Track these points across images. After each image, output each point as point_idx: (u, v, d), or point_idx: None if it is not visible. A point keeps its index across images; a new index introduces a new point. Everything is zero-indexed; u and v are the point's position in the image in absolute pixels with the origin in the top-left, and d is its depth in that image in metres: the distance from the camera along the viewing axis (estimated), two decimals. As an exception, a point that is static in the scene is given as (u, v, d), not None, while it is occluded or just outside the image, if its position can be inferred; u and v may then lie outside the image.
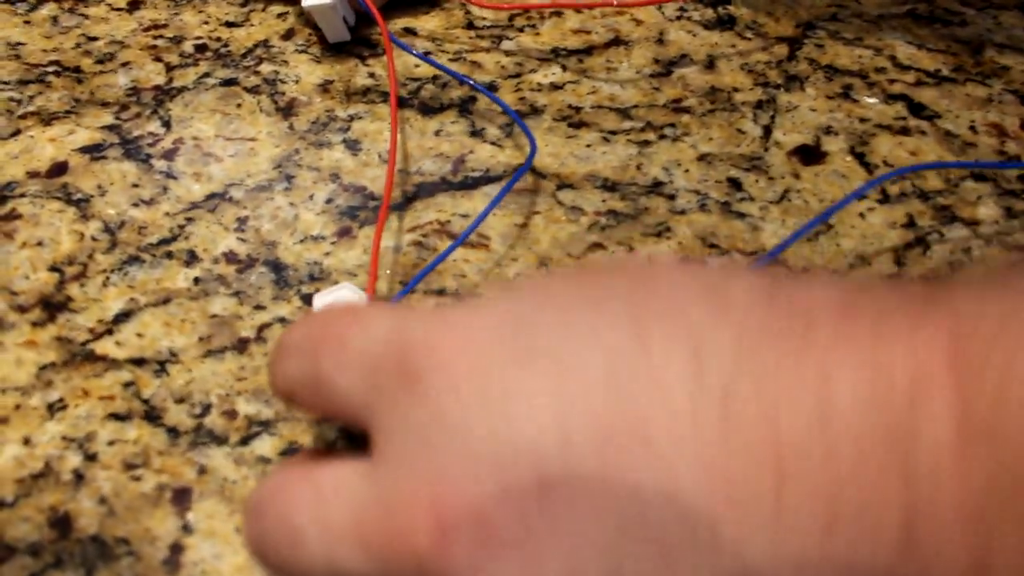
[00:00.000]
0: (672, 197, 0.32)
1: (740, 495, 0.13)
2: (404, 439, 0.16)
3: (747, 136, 0.33)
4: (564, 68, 0.35)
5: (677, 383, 0.14)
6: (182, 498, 0.26)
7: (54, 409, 0.27)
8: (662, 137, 0.33)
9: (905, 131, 0.34)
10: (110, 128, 0.34)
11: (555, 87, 0.35)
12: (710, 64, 0.36)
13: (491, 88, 0.35)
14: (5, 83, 0.35)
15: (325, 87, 0.35)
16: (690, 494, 0.13)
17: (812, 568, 0.13)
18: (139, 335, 0.29)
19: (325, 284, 0.30)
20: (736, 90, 0.35)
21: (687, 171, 0.32)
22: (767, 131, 0.33)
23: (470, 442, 0.15)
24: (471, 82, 0.34)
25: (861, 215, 0.31)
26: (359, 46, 0.36)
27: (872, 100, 0.35)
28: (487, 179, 0.32)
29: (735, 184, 0.32)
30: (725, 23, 0.37)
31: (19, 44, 0.37)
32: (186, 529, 0.25)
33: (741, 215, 0.31)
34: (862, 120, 0.34)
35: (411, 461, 0.16)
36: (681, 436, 0.14)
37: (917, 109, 0.34)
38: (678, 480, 0.13)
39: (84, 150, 0.33)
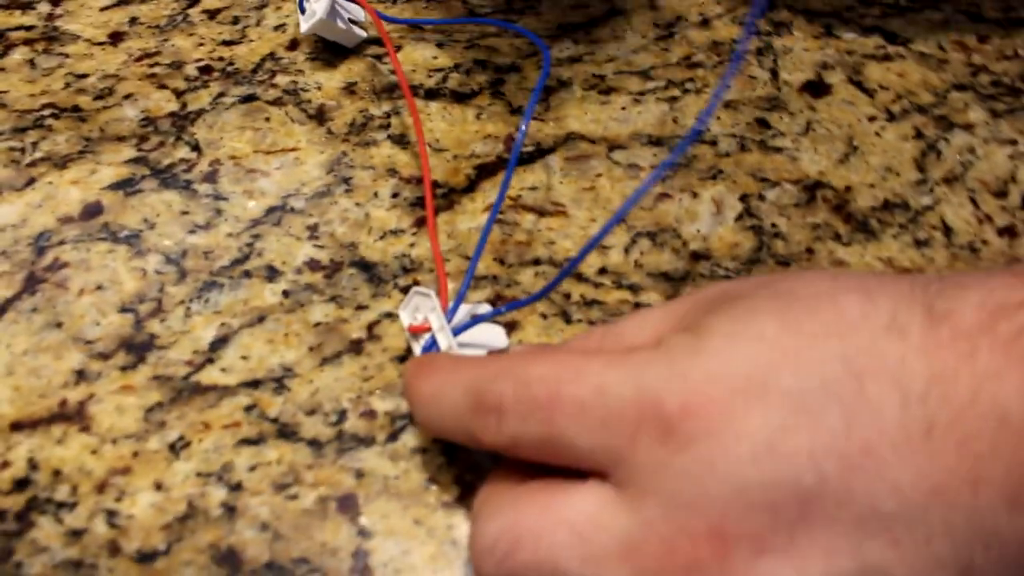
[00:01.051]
0: (714, 143, 0.33)
1: (945, 489, 0.17)
2: (671, 481, 0.19)
3: (759, 80, 0.36)
4: (576, 42, 0.37)
5: (888, 410, 0.18)
6: (349, 505, 0.25)
7: (177, 448, 0.26)
8: (686, 91, 0.35)
9: (888, 57, 0.37)
10: (136, 161, 0.32)
11: (574, 60, 0.36)
12: (704, 22, 0.38)
13: (514, 68, 0.35)
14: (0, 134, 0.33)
15: (351, 89, 0.34)
16: (908, 494, 0.18)
17: (1003, 541, 0.17)
18: (244, 358, 0.28)
19: (419, 274, 0.29)
20: (736, 41, 0.37)
21: (718, 118, 0.34)
22: (774, 73, 0.36)
23: (740, 478, 0.18)
24: (486, 20, 0.35)
25: (877, 134, 0.34)
26: (371, 45, 0.36)
27: (851, 35, 0.38)
28: (541, 152, 0.33)
29: (764, 124, 0.34)
30: (702, -16, 0.40)
31: (1, 92, 0.34)
32: (364, 534, 0.25)
33: (779, 149, 0.33)
34: (849, 53, 0.37)
35: (683, 498, 0.19)
36: (897, 452, 0.18)
37: (891, 37, 0.38)
38: (900, 486, 0.18)
39: (115, 187, 0.32)
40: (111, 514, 0.25)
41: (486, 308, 0.28)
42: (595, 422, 0.20)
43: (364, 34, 0.35)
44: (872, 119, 0.35)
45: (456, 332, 0.26)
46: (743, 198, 0.32)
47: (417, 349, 0.26)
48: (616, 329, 0.24)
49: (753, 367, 0.19)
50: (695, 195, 0.32)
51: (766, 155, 0.33)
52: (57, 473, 0.26)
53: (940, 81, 0.36)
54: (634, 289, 0.29)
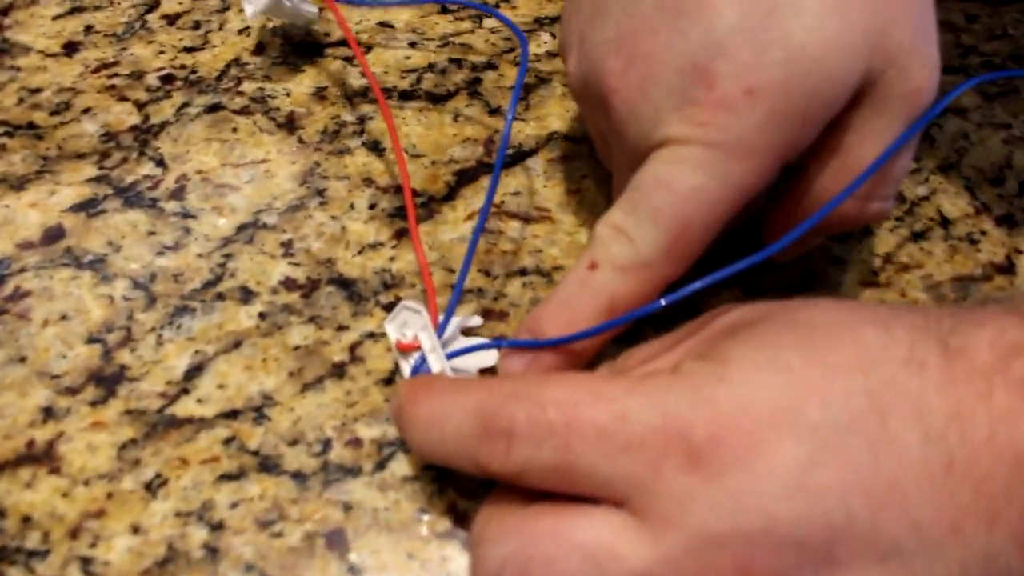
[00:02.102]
0: (701, 138, 0.32)
1: (962, 527, 0.17)
2: (698, 513, 0.18)
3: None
4: (552, 35, 0.35)
5: (911, 447, 0.18)
6: (337, 540, 0.24)
7: (153, 487, 0.25)
8: (670, 84, 0.34)
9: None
10: (97, 180, 0.31)
11: (552, 55, 0.35)
12: None
13: (490, 66, 0.34)
14: (-51, 155, 0.31)
15: (321, 94, 0.33)
16: (928, 532, 0.17)
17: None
18: (220, 386, 0.26)
19: (400, 289, 0.28)
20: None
21: (705, 112, 0.33)
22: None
23: (771, 514, 0.17)
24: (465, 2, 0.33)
25: (867, 122, 0.33)
26: (339, 47, 0.34)
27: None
28: (523, 154, 0.32)
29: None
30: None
31: (-50, 110, 0.32)
32: (354, 571, 0.23)
33: (768, 142, 0.32)
34: (835, 38, 0.36)
35: (710, 532, 0.18)
36: (920, 489, 0.17)
37: (878, 20, 0.37)
38: (920, 524, 0.17)
39: (76, 208, 0.30)
40: (86, 561, 0.24)
41: (476, 321, 0.27)
42: (616, 448, 0.19)
43: (315, 9, 0.33)
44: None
45: (449, 356, 0.25)
46: (734, 195, 0.31)
47: (406, 369, 0.25)
48: (621, 364, 0.23)
49: (781, 399, 0.18)
50: (684, 194, 0.31)
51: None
52: (27, 519, 0.24)
53: (930, 65, 0.35)
54: (626, 297, 0.28)
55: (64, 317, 0.28)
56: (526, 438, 0.19)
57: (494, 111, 0.33)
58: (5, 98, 0.33)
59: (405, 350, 0.25)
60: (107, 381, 0.26)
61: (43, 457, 0.25)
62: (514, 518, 0.20)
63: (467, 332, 0.26)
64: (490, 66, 0.34)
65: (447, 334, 0.25)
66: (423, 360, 0.24)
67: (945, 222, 0.30)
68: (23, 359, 0.27)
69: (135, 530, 0.24)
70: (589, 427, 0.19)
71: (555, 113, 0.33)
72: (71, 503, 0.24)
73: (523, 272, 0.29)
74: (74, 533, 0.24)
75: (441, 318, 0.25)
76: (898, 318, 0.20)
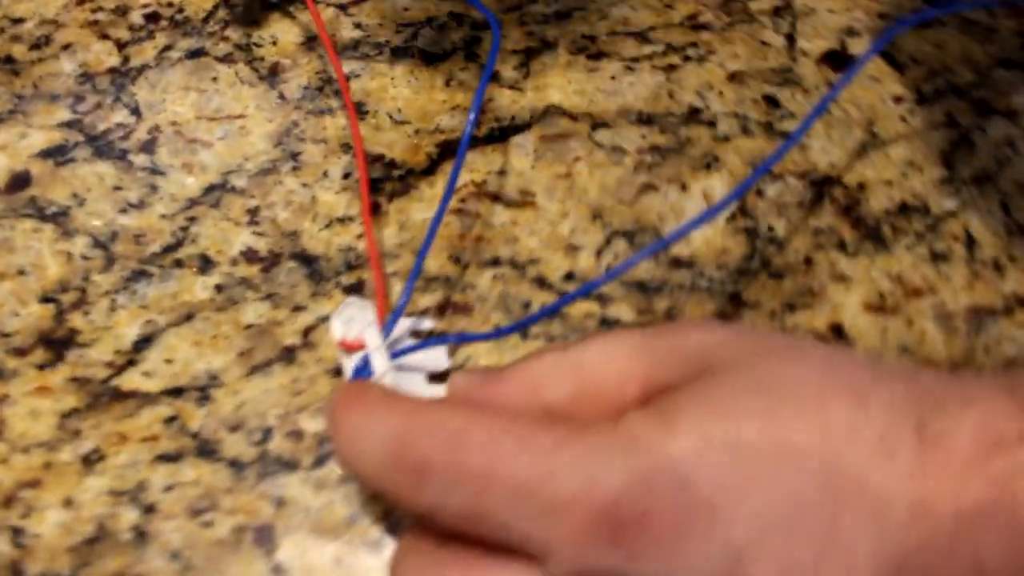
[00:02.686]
0: (712, 124, 0.29)
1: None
2: None
3: (772, 48, 0.31)
4: (564, -7, 0.32)
5: (861, 547, 0.16)
6: (264, 537, 0.23)
7: (91, 461, 0.24)
8: (687, 59, 0.31)
9: (926, 24, 0.32)
10: (69, 125, 0.29)
11: (561, 16, 0.32)
12: (718, -29, 0.33)
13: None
14: (-75, 86, 0.30)
15: (309, 45, 0.31)
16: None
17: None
18: (168, 361, 0.25)
19: (365, 271, 0.27)
20: (751, -3, 0.32)
21: (721, 93, 0.30)
22: (790, 40, 0.31)
23: None
24: None
25: (903, 119, 0.30)
26: (336, -7, 0.32)
27: (889, -9, 0.33)
28: (515, 128, 0.29)
29: (772, 102, 0.30)
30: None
31: (-70, 37, 0.31)
32: (278, 571, 0.23)
33: (785, 134, 0.29)
34: (882, 16, 0.32)
35: None
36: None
37: (936, -4, 0.33)
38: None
39: (45, 154, 0.29)
40: (16, 532, 0.23)
41: (427, 325, 0.25)
42: (535, 510, 0.17)
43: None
44: (899, 100, 0.30)
45: (395, 355, 0.23)
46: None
47: (348, 368, 0.24)
48: (575, 357, 0.21)
49: (725, 480, 0.17)
50: (684, 188, 0.28)
51: (771, 141, 0.29)
52: (-36, 482, 0.24)
53: (985, 55, 0.31)
54: (603, 300, 0.26)
55: (22, 272, 0.27)
56: (439, 479, 0.18)
57: (491, 78, 0.30)
58: (-13, 27, 0.31)
59: (348, 349, 0.23)
60: (57, 344, 0.26)
61: (-14, 418, 0.25)
62: (425, 560, 0.19)
63: (418, 335, 0.25)
64: (490, 25, 0.31)
65: (395, 334, 0.24)
66: (366, 361, 0.23)
67: (971, 242, 0.27)
68: (-23, 313, 0.26)
69: (67, 504, 0.24)
70: (508, 481, 0.17)
71: (556, 84, 0.30)
72: (8, 470, 0.24)
73: (496, 263, 0.27)
74: (8, 502, 0.24)
75: (388, 318, 0.23)
76: (877, 389, 0.18)
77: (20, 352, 0.26)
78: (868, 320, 0.26)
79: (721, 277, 0.27)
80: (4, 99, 0.30)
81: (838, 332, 0.26)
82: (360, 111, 0.29)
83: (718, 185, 0.28)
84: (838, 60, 0.31)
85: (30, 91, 0.30)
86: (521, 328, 0.22)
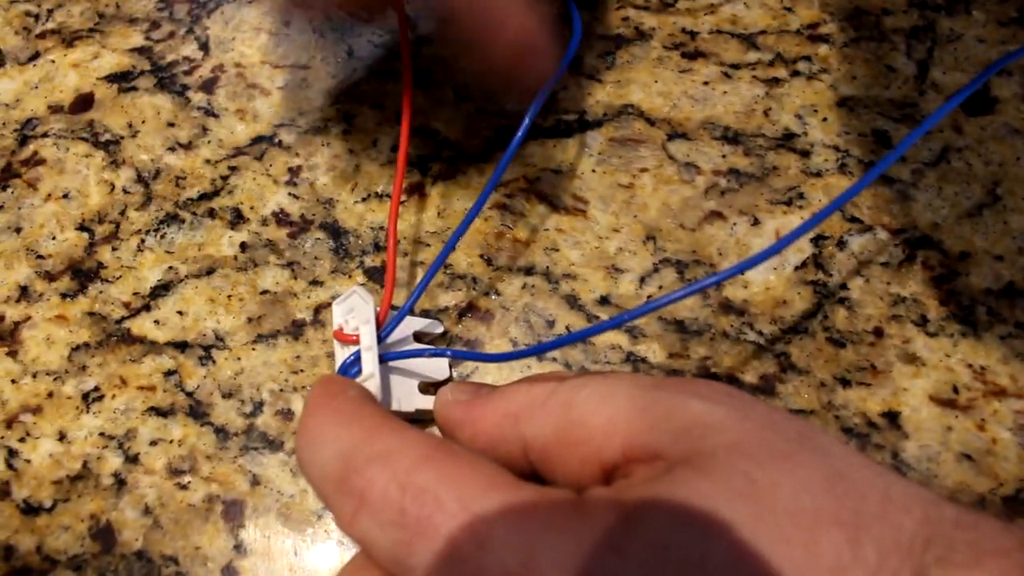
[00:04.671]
0: (806, 154, 0.26)
1: None
2: None
3: (898, 75, 0.27)
4: (675, -20, 0.29)
5: None
6: (234, 512, 0.23)
7: (89, 399, 0.24)
8: (795, 74, 0.27)
9: (1100, 68, 0.27)
10: (139, 51, 0.29)
11: (665, 4, 0.29)
12: (857, -25, 0.29)
13: (590, 5, 0.29)
14: (18, -9, 0.30)
15: None
16: None
17: None
18: (180, 313, 0.25)
19: (392, 256, 0.25)
20: (886, 12, 0.28)
21: (824, 120, 0.26)
22: (923, 68, 0.27)
23: None
24: None
25: (1040, 179, 0.25)
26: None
27: (1060, 25, 0.28)
28: (584, 123, 0.27)
29: (882, 138, 0.26)
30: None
31: (32, -58, 0.31)
32: (240, 550, 0.22)
33: (889, 180, 0.26)
34: (1046, 52, 0.27)
35: None
36: None
37: (1117, 38, 0.28)
38: None
39: (111, 78, 0.29)
40: (12, 453, 0.24)
41: (438, 329, 0.23)
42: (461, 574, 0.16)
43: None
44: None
45: (388, 357, 0.22)
46: (817, 239, 0.25)
47: (338, 359, 0.22)
48: (568, 395, 0.19)
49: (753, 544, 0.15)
50: (756, 222, 0.25)
51: (870, 186, 0.25)
52: (-26, 395, 0.25)
53: None
54: (634, 334, 0.24)
55: (66, 195, 0.27)
56: (374, 513, 0.17)
57: (576, 69, 0.28)
58: (86, -62, 0.31)
59: (342, 340, 0.22)
60: (82, 276, 0.26)
61: (7, 337, 0.25)
62: None
63: (420, 338, 0.23)
64: (587, 3, 0.29)
65: (397, 333, 0.22)
66: (357, 358, 0.22)
67: (1082, 345, 0.23)
68: (19, 230, 0.27)
69: (61, 437, 0.24)
70: (439, 539, 0.16)
71: (640, 81, 0.27)
72: (16, 391, 0.24)
73: (529, 271, 0.25)
74: (10, 423, 0.24)
75: (388, 321, 0.22)
76: (880, 527, 0.15)
77: (50, 277, 0.26)
78: (932, 413, 0.22)
79: (773, 332, 0.24)
80: (87, 16, 0.30)
81: (892, 419, 0.22)
82: (425, 82, 0.28)
83: (797, 224, 0.25)
84: (975, 101, 0.27)
85: (112, 11, 0.30)
86: (530, 355, 0.20)
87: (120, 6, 0.30)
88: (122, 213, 0.27)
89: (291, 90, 0.28)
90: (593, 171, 0.26)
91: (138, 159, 0.27)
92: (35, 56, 0.29)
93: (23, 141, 0.28)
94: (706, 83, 0.27)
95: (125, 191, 0.27)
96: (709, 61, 0.27)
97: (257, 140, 0.27)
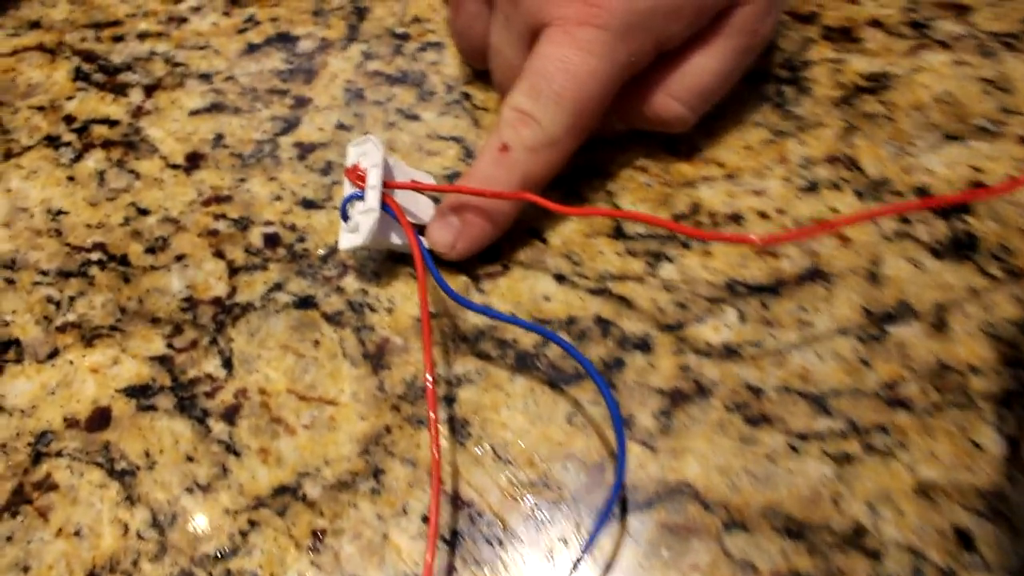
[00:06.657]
0: (876, 556, 0.24)
1: None
2: None
3: (983, 454, 0.24)
4: (742, 317, 0.26)
5: None
6: None
7: None
8: (869, 449, 0.25)
9: None
10: (160, 361, 0.27)
11: (730, 351, 0.26)
12: (939, 322, 0.26)
13: (643, 346, 0.26)
14: (44, 273, 0.29)
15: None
16: None
17: None
18: None
19: (416, 653, 0.23)
20: (974, 370, 0.25)
21: (900, 512, 0.24)
22: (1014, 447, 0.24)
23: None
24: (546, 333, 0.25)
25: None
26: (479, 264, 0.28)
27: None
28: (633, 504, 0.24)
29: (965, 540, 0.24)
30: (963, 247, 0.27)
31: (61, 213, 0.30)
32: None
33: (974, 600, 0.23)
34: None
35: None
36: None
37: None
38: None
39: (130, 392, 0.27)
40: None
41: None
42: None
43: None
44: None
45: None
46: (883, 674, 0.22)
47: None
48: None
49: None
50: (816, 646, 0.23)
51: (947, 603, 0.23)
52: None
53: None
54: None
55: (78, 533, 0.25)
56: None
57: (569, 418, 0.25)
58: (114, 212, 0.30)
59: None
60: (89, 640, 0.24)
61: None
62: None
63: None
64: (642, 345, 0.26)
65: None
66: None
67: None
68: (27, 569, 0.25)
69: None
70: None
71: (697, 451, 0.25)
72: None
73: None
74: None
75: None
76: None
77: (54, 638, 0.24)
78: None
79: None
80: (108, 309, 0.28)
81: None
82: (459, 434, 0.26)
83: (860, 649, 0.23)
84: (1071, 494, 0.24)
85: (135, 305, 0.28)
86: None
87: (143, 301, 0.28)
88: (135, 564, 0.25)
89: (317, 430, 0.26)
90: (640, 565, 0.24)
91: (154, 498, 0.26)
92: (54, 354, 0.28)
93: (37, 458, 0.26)
94: (769, 457, 0.25)
95: (139, 536, 0.25)
96: (775, 429, 0.25)
97: (280, 491, 0.25)
